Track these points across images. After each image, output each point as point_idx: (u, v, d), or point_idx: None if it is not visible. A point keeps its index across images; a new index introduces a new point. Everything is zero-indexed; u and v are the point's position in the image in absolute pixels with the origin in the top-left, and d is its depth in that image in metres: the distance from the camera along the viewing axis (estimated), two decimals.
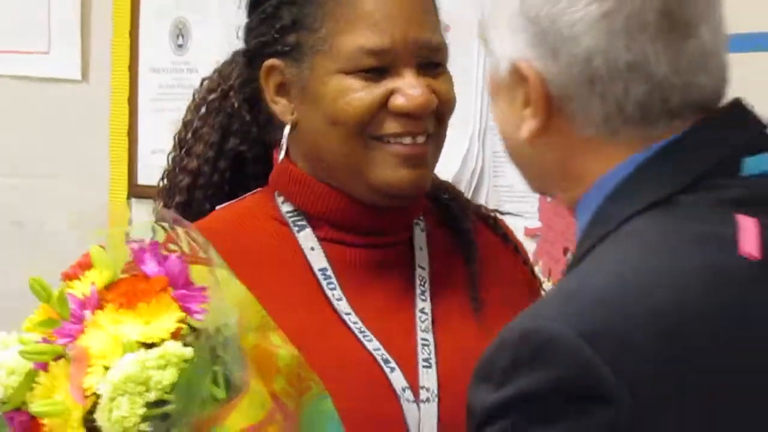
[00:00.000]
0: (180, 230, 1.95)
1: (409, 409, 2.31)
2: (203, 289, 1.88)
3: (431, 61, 2.31)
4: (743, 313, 1.48)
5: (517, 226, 2.93)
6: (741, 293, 1.49)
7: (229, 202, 2.41)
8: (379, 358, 2.32)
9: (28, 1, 4.25)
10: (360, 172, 2.32)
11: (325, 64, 2.30)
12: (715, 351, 1.46)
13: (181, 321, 1.82)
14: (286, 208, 2.35)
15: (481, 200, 3.29)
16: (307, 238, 2.34)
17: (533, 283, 2.54)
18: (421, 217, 2.46)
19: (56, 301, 1.87)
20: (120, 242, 1.94)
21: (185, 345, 1.79)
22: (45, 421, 1.82)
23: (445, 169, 2.94)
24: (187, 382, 1.81)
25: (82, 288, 1.87)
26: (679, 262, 1.50)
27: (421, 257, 2.43)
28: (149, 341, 1.80)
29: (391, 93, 2.27)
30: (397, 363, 2.32)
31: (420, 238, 2.45)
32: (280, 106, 2.32)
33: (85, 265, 1.90)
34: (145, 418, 1.77)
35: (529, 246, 3.18)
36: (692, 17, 1.54)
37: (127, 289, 1.87)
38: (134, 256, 1.88)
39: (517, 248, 2.55)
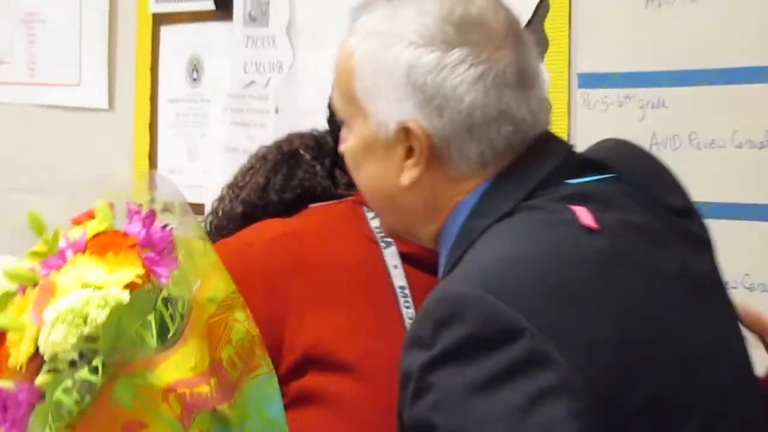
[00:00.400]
0: (178, 204, 1.98)
1: None
2: (175, 257, 1.92)
3: None
4: (593, 258, 1.68)
5: None
6: (589, 248, 1.70)
7: (324, 203, 2.43)
8: None
9: (61, 39, 4.30)
10: None
11: None
12: (583, 284, 1.65)
13: (141, 278, 1.83)
14: (374, 223, 2.35)
15: None
16: (392, 256, 2.34)
17: None
18: None
19: (48, 238, 1.92)
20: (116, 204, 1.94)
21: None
22: (8, 335, 1.85)
23: None
24: (117, 323, 1.81)
25: (76, 233, 1.91)
26: (540, 237, 1.72)
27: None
28: (104, 286, 1.81)
29: None
30: None
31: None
32: None
33: (90, 215, 1.96)
34: (76, 348, 1.79)
35: None
36: (532, 74, 1.79)
37: (104, 241, 1.91)
38: (128, 216, 1.94)
39: None
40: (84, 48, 4.24)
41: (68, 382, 1.82)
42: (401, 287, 2.31)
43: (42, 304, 1.85)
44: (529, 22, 3.14)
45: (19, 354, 1.83)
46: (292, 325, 2.22)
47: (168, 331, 1.89)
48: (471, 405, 1.55)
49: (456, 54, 1.73)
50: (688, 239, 1.83)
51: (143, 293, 1.86)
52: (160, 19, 4.04)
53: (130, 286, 1.82)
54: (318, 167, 2.45)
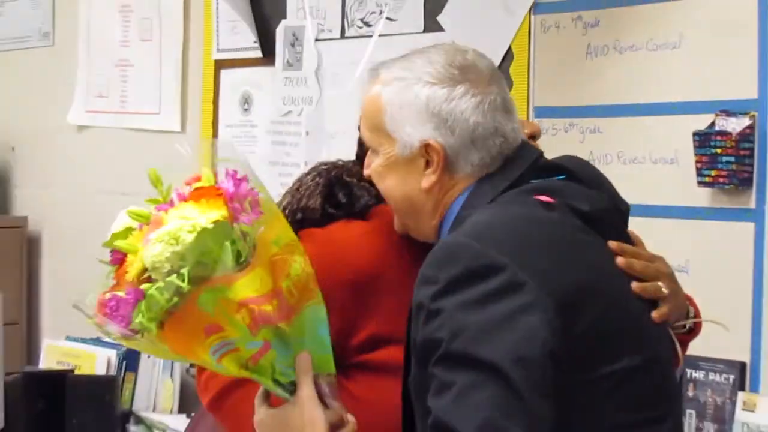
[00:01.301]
0: (256, 180, 1.93)
1: None
2: (260, 211, 1.90)
3: None
4: (552, 221, 1.74)
5: None
6: (547, 216, 1.76)
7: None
8: None
9: (146, 79, 4.24)
10: None
11: None
12: (545, 236, 1.72)
13: (225, 217, 1.83)
14: None
15: None
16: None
17: None
18: None
19: (164, 190, 1.94)
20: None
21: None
22: (127, 257, 1.88)
23: None
24: (201, 244, 1.84)
25: (184, 189, 1.92)
26: (511, 209, 1.77)
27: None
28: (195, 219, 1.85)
29: None
30: None
31: None
32: None
33: (198, 178, 1.95)
34: (169, 262, 1.83)
35: None
36: (511, 103, 1.86)
37: (201, 192, 1.92)
38: (225, 176, 1.93)
39: None
40: (163, 86, 4.22)
41: (161, 284, 1.84)
42: None
43: (150, 232, 1.89)
44: (498, 67, 3.18)
45: (132, 270, 1.87)
46: (367, 309, 2.14)
47: (241, 257, 1.88)
48: (466, 318, 1.59)
49: (461, 88, 1.81)
50: (616, 227, 1.89)
51: (223, 226, 1.85)
52: (220, 65, 4.02)
53: (215, 222, 1.84)
54: (365, 185, 2.23)
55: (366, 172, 2.00)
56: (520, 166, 1.86)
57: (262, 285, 1.91)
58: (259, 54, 3.86)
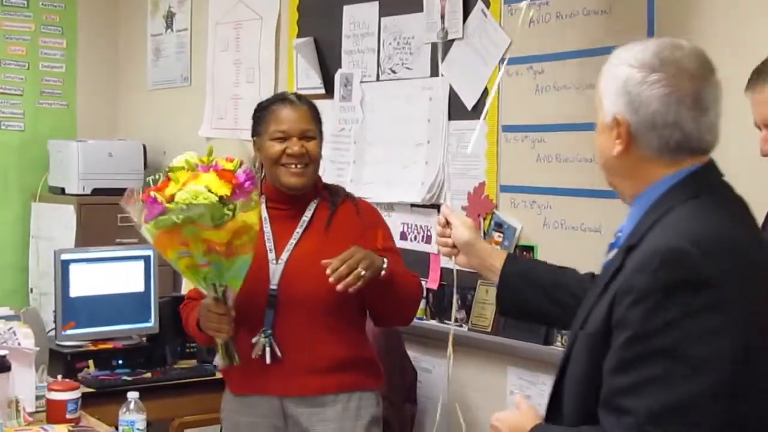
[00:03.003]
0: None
1: (273, 267, 2.35)
2: (251, 198, 2.10)
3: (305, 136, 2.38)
4: (761, 245, 1.41)
5: (456, 205, 3.09)
6: (756, 237, 1.45)
7: None
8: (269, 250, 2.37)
9: (248, 107, 3.88)
10: (278, 179, 2.39)
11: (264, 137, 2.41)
12: (754, 256, 1.37)
13: (226, 195, 2.05)
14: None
15: (445, 198, 3.15)
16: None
17: (363, 231, 2.41)
18: (316, 200, 2.44)
19: (206, 158, 2.15)
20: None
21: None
22: (171, 181, 2.09)
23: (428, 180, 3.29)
24: (201, 209, 2.03)
25: (222, 163, 2.14)
26: (727, 224, 1.41)
27: (308, 213, 2.41)
28: (209, 186, 2.06)
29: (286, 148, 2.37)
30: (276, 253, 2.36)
31: (311, 208, 2.43)
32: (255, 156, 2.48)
33: (231, 160, 2.17)
34: (184, 202, 2.03)
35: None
36: (707, 104, 1.44)
37: (223, 173, 2.10)
38: (243, 170, 2.12)
39: (358, 212, 2.45)
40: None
41: (176, 210, 2.05)
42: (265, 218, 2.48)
43: (189, 180, 2.10)
44: (478, 100, 3.16)
45: (168, 190, 2.08)
46: None
47: (215, 221, 2.07)
48: (679, 326, 1.27)
49: (654, 76, 1.43)
50: None
51: (216, 207, 2.05)
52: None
53: (214, 201, 2.05)
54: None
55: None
56: (715, 172, 1.49)
57: (221, 238, 2.09)
58: (323, 91, 3.84)
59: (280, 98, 2.48)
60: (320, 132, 2.45)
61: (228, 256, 2.14)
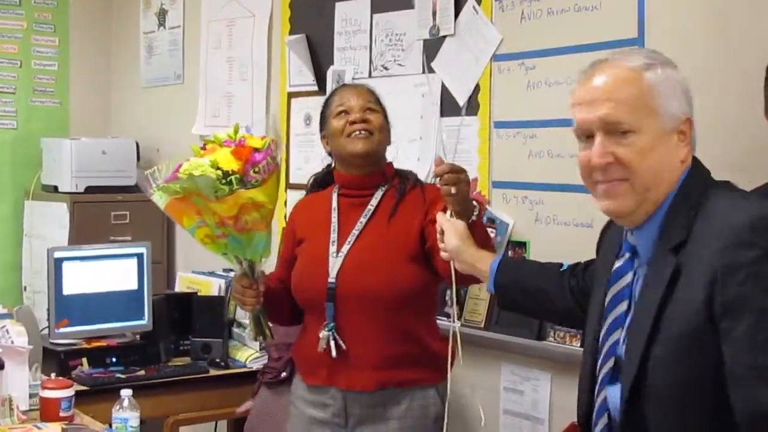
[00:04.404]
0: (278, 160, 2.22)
1: (333, 261, 2.33)
2: (264, 179, 2.12)
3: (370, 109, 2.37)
4: None
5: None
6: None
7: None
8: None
9: (242, 105, 4.11)
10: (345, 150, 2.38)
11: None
12: None
13: (232, 170, 2.08)
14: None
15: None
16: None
17: (427, 210, 2.35)
18: (384, 186, 2.40)
19: (232, 133, 2.20)
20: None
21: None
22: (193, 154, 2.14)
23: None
24: (201, 177, 2.07)
25: (251, 140, 2.20)
26: (745, 193, 1.45)
27: (373, 201, 2.38)
28: (220, 163, 2.10)
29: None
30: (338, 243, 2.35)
31: (377, 196, 2.40)
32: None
33: (263, 138, 2.23)
34: (193, 170, 2.08)
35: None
36: None
37: (240, 149, 2.14)
38: (267, 148, 2.17)
39: (424, 196, 2.40)
40: (254, 109, 4.11)
41: (180, 180, 2.09)
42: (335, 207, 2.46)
43: (207, 152, 2.17)
44: (470, 96, 3.16)
45: (187, 164, 2.13)
46: None
47: (217, 193, 2.09)
48: None
49: (679, 73, 1.42)
50: None
51: (211, 180, 2.06)
52: (291, 95, 3.91)
53: (227, 172, 2.08)
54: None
55: (600, 160, 1.48)
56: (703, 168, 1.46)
57: (225, 211, 2.11)
58: (315, 88, 3.84)
59: (339, 86, 2.54)
60: (384, 111, 2.44)
61: (240, 231, 2.15)
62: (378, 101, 2.47)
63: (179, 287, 4.05)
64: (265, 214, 2.16)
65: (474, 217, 2.06)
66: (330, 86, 3.74)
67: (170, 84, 4.74)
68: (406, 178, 2.46)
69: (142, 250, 3.51)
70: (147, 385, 3.19)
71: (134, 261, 3.50)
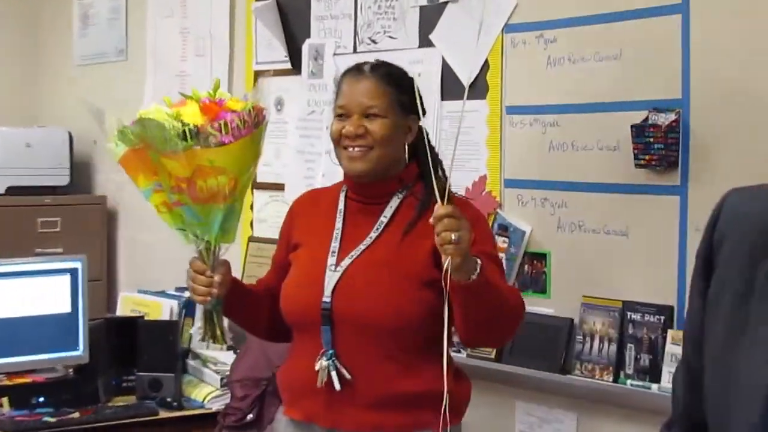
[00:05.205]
0: (262, 131, 2.30)
1: (330, 275, 2.27)
2: (230, 140, 2.18)
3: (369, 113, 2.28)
4: None
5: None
6: None
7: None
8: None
9: (200, 86, 4.28)
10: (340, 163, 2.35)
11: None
12: None
13: (195, 124, 2.16)
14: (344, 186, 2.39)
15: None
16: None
17: None
18: (401, 194, 2.34)
19: (210, 94, 2.27)
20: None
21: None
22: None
23: None
24: (151, 121, 2.18)
25: (227, 100, 2.26)
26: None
27: (388, 211, 2.32)
28: (188, 117, 2.17)
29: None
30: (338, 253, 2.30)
31: (392, 205, 2.33)
32: None
33: (231, 98, 2.27)
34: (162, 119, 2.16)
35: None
36: None
37: (210, 106, 2.22)
38: (242, 112, 2.21)
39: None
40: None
41: (137, 120, 2.22)
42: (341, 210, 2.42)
43: (175, 105, 2.27)
44: (477, 76, 3.17)
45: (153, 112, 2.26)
46: None
47: (168, 146, 2.17)
48: None
49: None
50: None
51: (163, 128, 2.17)
52: (258, 74, 3.95)
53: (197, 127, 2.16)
54: None
55: None
56: None
57: (178, 171, 2.19)
58: (288, 66, 3.85)
59: (352, 68, 2.39)
60: (396, 108, 2.30)
61: (195, 200, 2.19)
62: (389, 95, 2.32)
63: (122, 310, 4.03)
64: (224, 184, 2.16)
65: (474, 276, 2.02)
66: (307, 64, 3.76)
67: (110, 61, 4.74)
68: (431, 186, 2.25)
69: (77, 264, 3.49)
70: (82, 431, 3.17)
71: (66, 278, 3.47)
